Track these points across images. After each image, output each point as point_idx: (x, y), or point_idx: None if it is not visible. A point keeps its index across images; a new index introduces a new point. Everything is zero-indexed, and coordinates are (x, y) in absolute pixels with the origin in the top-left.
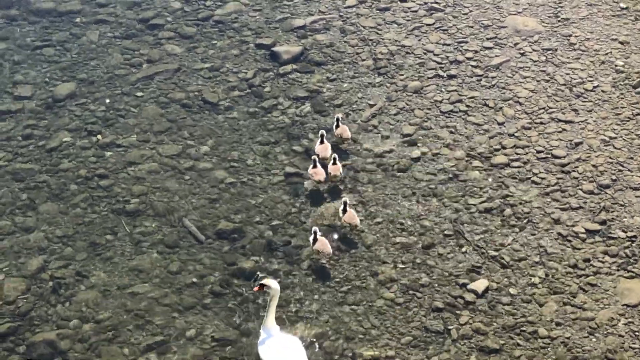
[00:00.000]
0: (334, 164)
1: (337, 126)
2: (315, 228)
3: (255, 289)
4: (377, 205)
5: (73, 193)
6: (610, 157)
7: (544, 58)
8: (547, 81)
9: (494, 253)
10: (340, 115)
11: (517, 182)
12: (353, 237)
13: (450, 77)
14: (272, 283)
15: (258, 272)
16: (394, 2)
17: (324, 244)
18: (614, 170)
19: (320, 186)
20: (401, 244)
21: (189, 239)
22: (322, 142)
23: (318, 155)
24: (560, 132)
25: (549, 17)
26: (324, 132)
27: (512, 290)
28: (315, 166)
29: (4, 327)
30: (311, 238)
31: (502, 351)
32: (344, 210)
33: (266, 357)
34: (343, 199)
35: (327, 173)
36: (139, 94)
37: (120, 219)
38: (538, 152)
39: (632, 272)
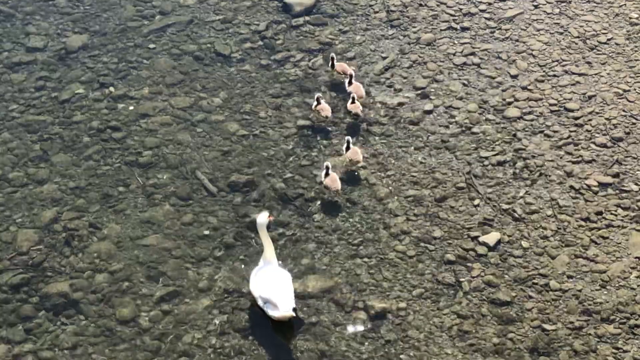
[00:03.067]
0: (353, 102)
1: (332, 66)
2: (327, 163)
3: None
4: (390, 158)
5: (86, 145)
6: (623, 110)
7: (557, 10)
8: (561, 33)
9: (506, 206)
10: (333, 54)
11: (529, 135)
12: (365, 190)
13: (464, 29)
14: (257, 217)
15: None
16: None
17: (333, 180)
18: (627, 123)
19: (334, 138)
20: (413, 197)
21: (202, 191)
22: (350, 82)
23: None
24: (573, 84)
25: None
26: (352, 72)
27: (524, 243)
28: (319, 103)
29: (17, 277)
30: (322, 173)
31: (514, 303)
32: (347, 148)
33: (252, 287)
34: (346, 138)
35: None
36: (151, 46)
37: (133, 171)
38: (551, 105)
39: None
